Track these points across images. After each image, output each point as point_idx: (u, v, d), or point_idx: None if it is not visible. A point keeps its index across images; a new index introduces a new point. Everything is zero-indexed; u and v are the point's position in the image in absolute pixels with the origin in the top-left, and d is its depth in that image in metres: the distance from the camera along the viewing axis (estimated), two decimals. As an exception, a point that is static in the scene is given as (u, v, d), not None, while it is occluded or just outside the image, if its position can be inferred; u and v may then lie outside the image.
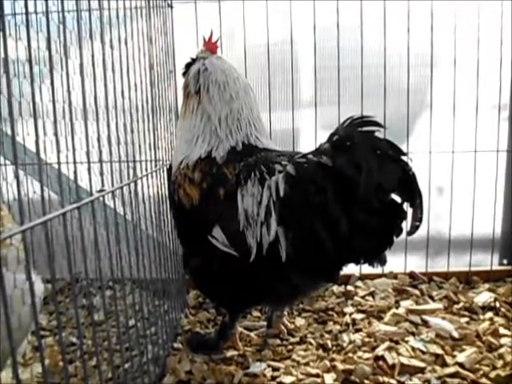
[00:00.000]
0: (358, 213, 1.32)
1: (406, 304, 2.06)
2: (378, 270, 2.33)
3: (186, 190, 1.63)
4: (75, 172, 1.03)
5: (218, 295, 1.71)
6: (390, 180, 1.30)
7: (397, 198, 1.35)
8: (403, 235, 1.37)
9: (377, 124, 1.35)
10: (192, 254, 1.70)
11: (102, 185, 1.15)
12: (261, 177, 1.52)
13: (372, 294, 2.20)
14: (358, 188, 1.28)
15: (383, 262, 1.47)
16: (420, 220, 1.37)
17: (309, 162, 1.40)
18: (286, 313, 1.95)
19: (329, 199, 1.35)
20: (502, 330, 1.79)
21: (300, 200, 1.41)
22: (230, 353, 1.75)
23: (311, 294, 1.65)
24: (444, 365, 1.61)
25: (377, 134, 1.34)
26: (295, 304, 2.01)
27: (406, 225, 1.37)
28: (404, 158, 1.33)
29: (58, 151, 0.96)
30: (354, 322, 1.95)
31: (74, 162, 1.04)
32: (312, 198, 1.37)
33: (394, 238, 1.37)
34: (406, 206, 1.36)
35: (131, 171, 1.39)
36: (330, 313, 2.04)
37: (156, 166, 1.72)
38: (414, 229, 1.38)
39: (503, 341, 1.73)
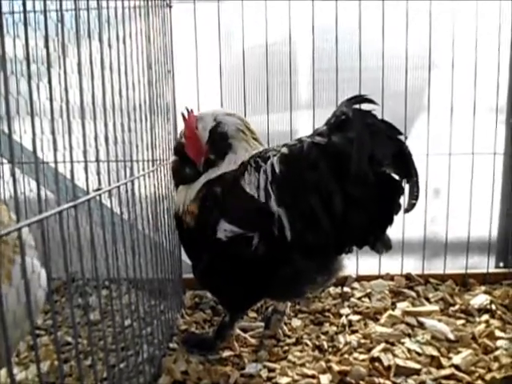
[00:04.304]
0: (353, 188, 1.34)
1: (403, 306, 2.06)
2: (374, 271, 2.34)
3: (188, 209, 1.65)
4: (72, 171, 1.03)
5: (225, 292, 1.68)
6: (382, 153, 1.32)
7: (394, 176, 1.37)
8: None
9: (371, 101, 1.39)
10: (200, 262, 1.68)
11: (99, 184, 1.15)
12: (257, 165, 1.54)
13: (368, 296, 2.19)
14: (350, 161, 1.31)
15: (388, 247, 1.47)
16: (416, 198, 1.39)
17: (302, 143, 1.46)
18: (285, 317, 1.94)
19: (322, 175, 1.37)
20: (497, 333, 1.80)
21: (295, 177, 1.44)
22: (226, 353, 1.75)
23: (313, 285, 1.63)
24: (440, 367, 1.62)
25: (374, 112, 1.38)
26: (298, 296, 1.95)
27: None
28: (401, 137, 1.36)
29: (55, 150, 0.96)
30: (350, 323, 1.95)
31: (71, 161, 1.04)
32: (306, 174, 1.40)
33: (394, 215, 1.39)
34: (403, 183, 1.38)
35: (128, 171, 1.38)
36: (327, 314, 2.05)
37: (153, 165, 1.72)
38: (410, 206, 1.41)
39: (499, 343, 1.73)
